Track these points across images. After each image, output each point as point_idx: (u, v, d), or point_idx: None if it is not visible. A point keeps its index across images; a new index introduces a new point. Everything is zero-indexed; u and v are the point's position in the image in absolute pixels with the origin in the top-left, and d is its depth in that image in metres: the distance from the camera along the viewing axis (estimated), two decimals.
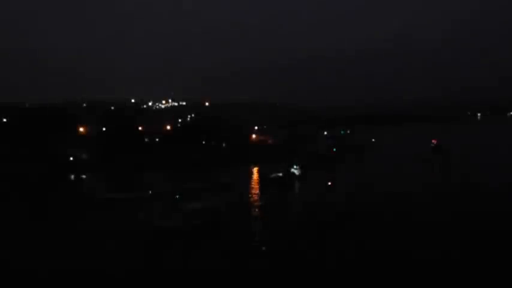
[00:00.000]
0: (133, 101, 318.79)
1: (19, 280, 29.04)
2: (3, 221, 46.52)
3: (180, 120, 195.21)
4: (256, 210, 48.50)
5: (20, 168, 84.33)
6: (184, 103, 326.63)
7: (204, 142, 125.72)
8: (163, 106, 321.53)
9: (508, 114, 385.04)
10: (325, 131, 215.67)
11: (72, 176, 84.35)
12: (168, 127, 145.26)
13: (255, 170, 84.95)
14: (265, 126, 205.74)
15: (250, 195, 58.06)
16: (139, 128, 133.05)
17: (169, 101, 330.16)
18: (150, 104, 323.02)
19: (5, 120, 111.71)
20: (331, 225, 40.15)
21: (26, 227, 43.89)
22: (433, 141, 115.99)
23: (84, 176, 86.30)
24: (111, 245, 35.95)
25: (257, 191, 61.57)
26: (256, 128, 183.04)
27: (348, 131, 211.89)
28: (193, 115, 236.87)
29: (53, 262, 32.34)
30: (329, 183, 52.27)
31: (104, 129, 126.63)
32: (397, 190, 57.21)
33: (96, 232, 40.60)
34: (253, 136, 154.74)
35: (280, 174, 70.56)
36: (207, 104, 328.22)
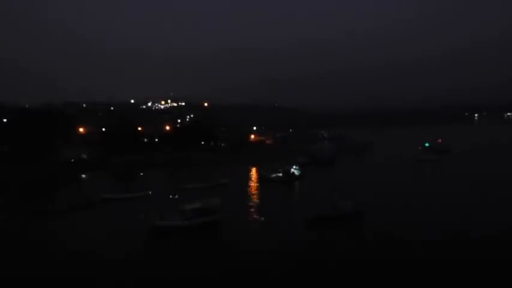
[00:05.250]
0: (132, 101, 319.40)
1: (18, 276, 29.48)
2: (4, 221, 46.90)
3: (179, 120, 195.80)
4: (256, 210, 48.86)
5: (19, 168, 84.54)
6: (183, 104, 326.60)
7: (203, 142, 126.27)
8: (162, 107, 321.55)
9: (505, 115, 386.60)
10: (325, 131, 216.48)
11: (72, 176, 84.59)
12: (168, 127, 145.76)
13: (254, 170, 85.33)
14: (264, 127, 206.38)
15: (249, 195, 58.46)
16: (139, 129, 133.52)
17: (169, 101, 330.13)
18: (149, 104, 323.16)
19: (5, 120, 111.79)
20: (330, 223, 40.45)
21: (25, 226, 44.25)
22: (439, 141, 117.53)
23: (83, 176, 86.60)
24: (111, 245, 36.30)
25: (256, 191, 61.96)
26: (255, 128, 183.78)
27: (346, 132, 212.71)
28: (192, 116, 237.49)
29: (51, 261, 32.73)
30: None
31: (103, 129, 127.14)
32: (393, 190, 57.81)
33: (96, 232, 41.00)
34: (252, 136, 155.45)
35: (280, 174, 70.94)
36: (206, 104, 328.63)
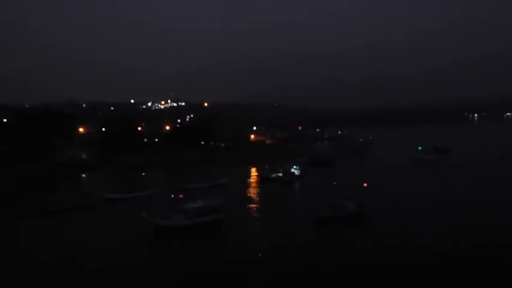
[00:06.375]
0: (132, 101, 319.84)
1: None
2: (5, 221, 46.92)
3: (179, 120, 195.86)
4: (257, 209, 48.89)
5: (19, 168, 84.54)
6: (183, 104, 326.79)
7: (202, 142, 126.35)
8: (162, 107, 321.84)
9: (505, 116, 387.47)
10: (324, 131, 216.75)
11: (72, 176, 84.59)
12: (168, 127, 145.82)
13: (255, 169, 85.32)
14: (264, 127, 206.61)
15: (250, 195, 58.48)
16: (139, 129, 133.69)
17: (169, 101, 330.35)
18: (149, 104, 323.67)
19: (5, 120, 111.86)
20: (333, 224, 40.40)
21: (25, 226, 44.27)
22: (437, 144, 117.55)
23: (83, 176, 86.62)
24: (112, 245, 36.30)
25: (257, 191, 61.98)
26: (255, 128, 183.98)
27: (346, 131, 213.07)
28: (192, 115, 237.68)
29: (51, 261, 32.78)
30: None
31: (103, 129, 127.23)
32: (393, 190, 57.88)
33: (97, 232, 41.01)
34: (252, 136, 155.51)
35: (280, 174, 70.97)
36: (206, 104, 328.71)
